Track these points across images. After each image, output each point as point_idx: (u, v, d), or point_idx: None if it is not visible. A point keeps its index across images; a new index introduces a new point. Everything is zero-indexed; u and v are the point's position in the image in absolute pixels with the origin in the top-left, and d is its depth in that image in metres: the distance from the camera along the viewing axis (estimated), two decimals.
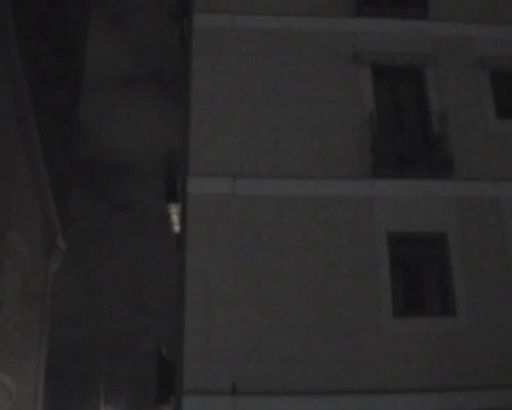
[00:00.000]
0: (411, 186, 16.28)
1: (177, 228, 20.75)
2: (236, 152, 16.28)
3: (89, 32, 45.11)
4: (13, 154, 21.50)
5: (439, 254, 16.24)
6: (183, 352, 14.53)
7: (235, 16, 17.63)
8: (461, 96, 17.57)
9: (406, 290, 15.93)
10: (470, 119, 17.34)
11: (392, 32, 17.96)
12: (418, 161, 16.45)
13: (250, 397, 14.16)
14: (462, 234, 16.16)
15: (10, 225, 20.66)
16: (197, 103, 16.68)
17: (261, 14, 17.74)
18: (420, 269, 16.32)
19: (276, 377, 14.42)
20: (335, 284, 15.34)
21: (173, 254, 20.16)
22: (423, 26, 18.16)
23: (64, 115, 37.43)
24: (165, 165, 18.82)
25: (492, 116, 17.51)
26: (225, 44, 17.32)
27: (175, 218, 20.15)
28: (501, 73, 18.11)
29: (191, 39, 17.49)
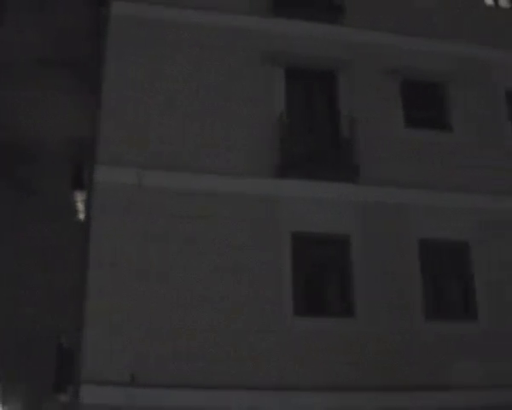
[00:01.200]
0: (318, 188, 16.44)
1: (82, 216, 20.50)
2: (144, 143, 16.11)
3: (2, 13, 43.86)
4: None
5: (341, 255, 16.45)
6: (83, 341, 14.36)
7: (151, 7, 17.42)
8: (371, 102, 17.88)
9: (309, 290, 16.11)
10: (379, 126, 17.68)
11: (307, 34, 18.04)
12: (326, 163, 16.72)
13: (148, 389, 14.09)
14: (365, 238, 16.46)
15: None
16: (109, 92, 16.45)
17: (178, 6, 17.56)
18: (323, 270, 16.51)
19: (175, 371, 14.40)
20: (238, 280, 15.39)
21: (79, 242, 19.89)
22: (339, 31, 18.35)
23: None
24: (73, 152, 18.58)
25: (401, 125, 17.89)
26: (140, 34, 17.09)
27: (80, 205, 19.89)
28: (411, 83, 18.49)
29: (107, 27, 17.26)
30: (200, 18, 17.64)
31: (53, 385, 21.41)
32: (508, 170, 18.31)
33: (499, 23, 20.35)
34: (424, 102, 18.60)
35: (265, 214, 16.10)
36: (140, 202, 15.58)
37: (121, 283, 14.85)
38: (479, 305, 16.78)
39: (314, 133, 17.41)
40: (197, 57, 17.26)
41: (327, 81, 17.98)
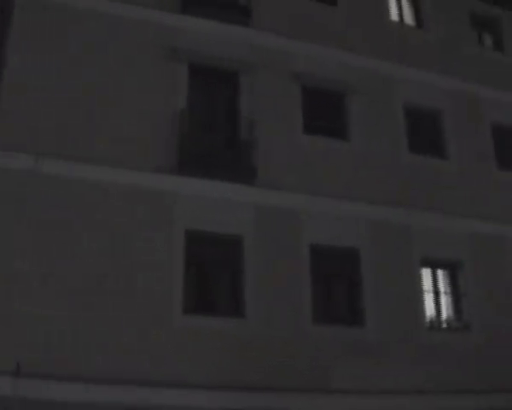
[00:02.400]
0: (214, 187, 16.46)
1: None
2: (43, 131, 15.76)
3: None
4: None
5: (234, 256, 16.50)
6: None
7: None
8: (272, 106, 18.00)
9: (200, 289, 16.13)
10: (278, 130, 17.82)
11: (213, 33, 18.05)
12: (223, 163, 16.75)
13: (33, 380, 13.78)
14: (258, 239, 16.57)
15: None
16: (10, 78, 16.05)
17: None
18: (216, 269, 16.52)
19: (62, 363, 14.14)
20: (130, 275, 15.26)
21: None
22: (245, 33, 18.43)
23: None
24: None
25: (300, 131, 18.10)
26: (44, 22, 16.69)
27: None
28: (312, 91, 18.77)
29: (11, 12, 16.86)
30: (108, 8, 17.40)
31: None
32: (401, 182, 18.87)
33: (403, 39, 20.92)
34: (324, 111, 18.91)
35: (161, 210, 16.02)
36: (35, 190, 15.24)
37: (12, 270, 14.49)
38: (366, 310, 17.16)
39: (214, 132, 17.43)
40: (103, 47, 16.99)
41: (230, 81, 18.03)
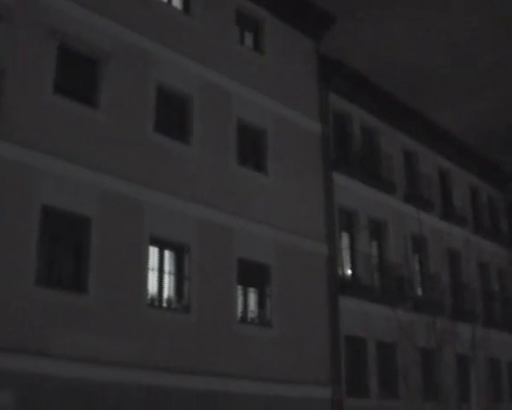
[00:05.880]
0: None
1: None
2: None
3: None
4: None
5: None
6: None
7: None
8: (26, 59, 17.25)
9: None
10: (28, 85, 17.12)
11: None
12: None
13: None
14: None
15: None
16: None
17: None
18: None
19: None
20: None
21: None
22: None
23: None
24: None
25: (49, 90, 17.56)
26: None
27: None
28: (68, 51, 18.38)
29: None
30: None
31: None
32: (141, 158, 19.10)
33: (167, 20, 21.10)
34: (78, 74, 18.63)
35: None
36: None
37: None
38: (90, 279, 17.17)
39: None
40: None
41: None
